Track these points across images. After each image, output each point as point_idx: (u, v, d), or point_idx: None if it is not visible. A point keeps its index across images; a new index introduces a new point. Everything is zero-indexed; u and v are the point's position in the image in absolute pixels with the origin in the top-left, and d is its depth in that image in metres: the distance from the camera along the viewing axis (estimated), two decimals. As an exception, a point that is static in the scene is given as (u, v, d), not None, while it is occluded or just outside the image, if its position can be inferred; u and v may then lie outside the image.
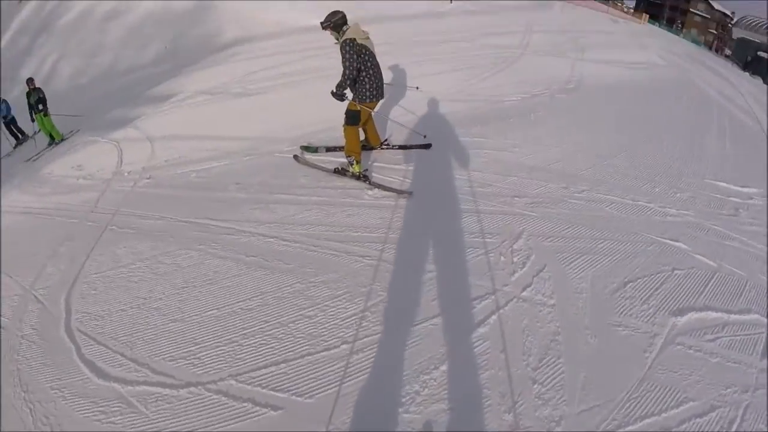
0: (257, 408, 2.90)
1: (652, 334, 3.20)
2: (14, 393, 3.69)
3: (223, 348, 3.36)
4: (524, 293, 3.41)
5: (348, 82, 4.95)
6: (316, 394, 2.91)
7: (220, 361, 3.27)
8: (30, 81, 11.76)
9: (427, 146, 5.79)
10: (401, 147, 5.91)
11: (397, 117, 6.56)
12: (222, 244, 4.49)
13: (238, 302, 3.73)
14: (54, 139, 11.23)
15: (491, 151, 5.30)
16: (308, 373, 3.05)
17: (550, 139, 5.69)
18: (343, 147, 5.38)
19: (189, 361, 3.34)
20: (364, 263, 3.89)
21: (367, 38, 5.00)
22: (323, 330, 3.33)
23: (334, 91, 4.99)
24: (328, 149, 6.09)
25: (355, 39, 4.84)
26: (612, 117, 6.64)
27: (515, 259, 3.73)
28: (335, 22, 4.93)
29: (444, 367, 2.94)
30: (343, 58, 4.84)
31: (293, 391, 2.95)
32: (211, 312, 3.71)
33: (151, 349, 3.56)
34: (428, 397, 2.79)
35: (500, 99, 6.89)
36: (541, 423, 2.71)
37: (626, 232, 4.22)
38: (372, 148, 5.82)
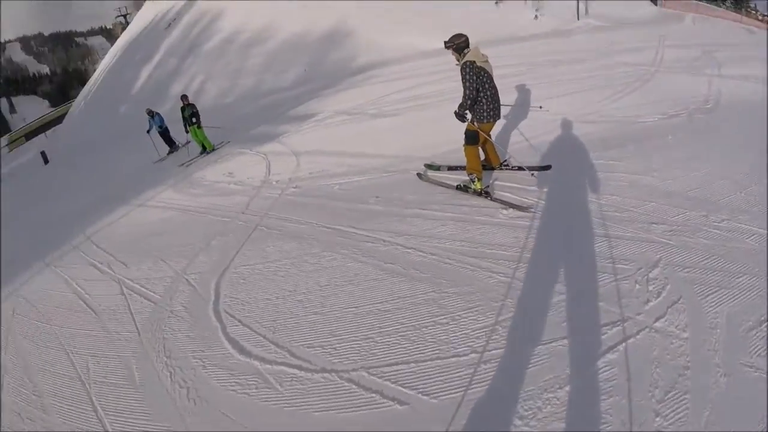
0: (384, 400, 3.18)
1: (784, 380, 3.01)
2: (157, 358, 4.39)
3: (358, 342, 3.72)
4: (657, 324, 3.34)
5: (468, 103, 5.36)
6: (441, 395, 3.12)
7: (355, 353, 3.63)
8: (184, 97, 13.55)
9: (547, 167, 5.92)
10: (520, 168, 6.06)
11: (528, 138, 6.75)
12: (362, 250, 4.96)
13: (375, 303, 4.11)
14: (206, 149, 12.74)
15: (627, 175, 5.21)
16: (436, 375, 3.27)
17: (689, 163, 5.42)
18: (464, 166, 5.80)
19: (326, 350, 3.74)
20: (497, 279, 4.07)
21: (486, 61, 5.41)
22: (454, 337, 3.55)
23: (457, 111, 5.45)
24: (450, 168, 6.54)
25: (474, 61, 5.26)
26: (755, 138, 6.11)
27: (650, 288, 3.68)
28: (458, 44, 5.40)
29: (568, 388, 3.00)
30: (463, 79, 5.30)
31: (420, 390, 3.18)
32: (350, 309, 4.13)
33: (291, 336, 4.04)
34: (550, 415, 2.86)
35: (635, 120, 6.68)
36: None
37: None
38: (492, 168, 6.14)
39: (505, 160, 6.23)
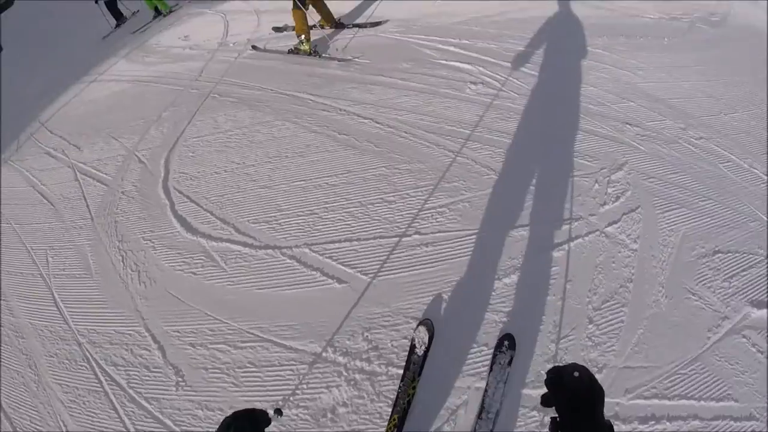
0: (325, 278, 3.31)
1: (723, 315, 3.06)
2: (110, 242, 4.49)
3: (303, 218, 3.78)
4: (608, 228, 3.37)
5: None
6: (380, 276, 3.23)
7: (299, 229, 3.71)
8: None
9: (379, 23, 6.68)
10: (356, 25, 6.84)
11: (517, 9, 6.37)
12: (316, 119, 4.86)
13: (324, 177, 4.11)
14: (160, 12, 12.02)
15: (612, 68, 4.97)
16: (378, 254, 3.36)
17: (678, 71, 5.12)
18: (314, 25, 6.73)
19: (271, 226, 3.81)
20: (454, 159, 4.02)
21: None
22: (399, 217, 3.60)
23: None
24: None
25: None
26: (756, 65, 5.81)
27: (609, 190, 3.66)
28: None
29: (512, 279, 3.09)
30: None
31: (360, 269, 3.29)
32: (298, 183, 4.15)
33: (238, 211, 4.10)
34: (487, 305, 3.00)
35: (635, 13, 6.18)
36: (582, 364, 2.81)
37: (733, 198, 3.88)
38: (329, 27, 6.95)
39: (339, 19, 6.98)
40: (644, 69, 4.96)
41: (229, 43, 7.83)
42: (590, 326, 2.94)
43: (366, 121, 4.64)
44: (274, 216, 3.88)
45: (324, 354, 3.04)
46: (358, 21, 7.03)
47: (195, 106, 6.01)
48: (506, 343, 2.80)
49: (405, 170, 3.98)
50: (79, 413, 3.33)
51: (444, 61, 5.38)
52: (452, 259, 3.24)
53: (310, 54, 6.29)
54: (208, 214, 4.18)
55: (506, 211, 3.49)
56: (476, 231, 3.39)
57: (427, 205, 3.62)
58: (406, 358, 2.87)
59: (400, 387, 2.76)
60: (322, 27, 6.91)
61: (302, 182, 4.12)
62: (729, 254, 3.41)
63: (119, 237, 4.48)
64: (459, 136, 4.24)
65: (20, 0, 31.47)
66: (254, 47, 7.17)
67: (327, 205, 3.82)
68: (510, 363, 2.77)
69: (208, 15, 10.06)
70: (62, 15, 22.64)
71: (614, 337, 2.93)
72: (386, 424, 2.69)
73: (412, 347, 2.85)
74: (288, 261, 3.47)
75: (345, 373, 2.97)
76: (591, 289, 3.05)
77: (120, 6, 13.73)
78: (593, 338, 2.93)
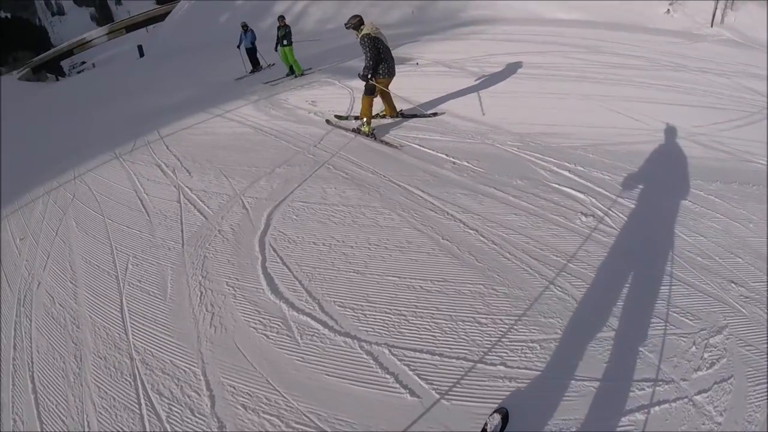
0: (397, 386, 3.12)
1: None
2: (193, 274, 4.54)
3: (390, 317, 3.64)
4: (698, 397, 3.02)
5: (371, 64, 6.77)
6: (454, 399, 3.01)
7: (383, 327, 3.57)
8: (281, 18, 13.45)
9: (434, 114, 7.71)
10: (412, 115, 7.82)
11: (631, 143, 6.26)
12: (422, 217, 4.81)
13: (419, 279, 3.98)
14: (293, 72, 12.78)
15: (722, 218, 4.64)
16: (457, 376, 3.15)
17: None
18: (381, 114, 7.85)
19: (355, 314, 3.71)
20: (554, 293, 3.79)
21: (379, 32, 6.87)
22: (488, 342, 3.38)
23: (361, 74, 6.94)
24: (356, 118, 7.84)
25: (369, 33, 6.71)
26: None
27: (706, 356, 3.32)
28: (355, 23, 6.87)
29: None
30: (363, 49, 6.75)
31: (435, 386, 3.09)
32: (391, 278, 4.04)
33: (326, 288, 4.04)
34: None
35: (746, 158, 5.85)
36: None
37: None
38: (392, 117, 7.86)
39: (401, 110, 7.89)
40: (754, 222, 4.62)
41: (352, 118, 8.11)
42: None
43: (471, 231, 4.53)
44: (361, 305, 3.78)
45: (374, 461, 2.86)
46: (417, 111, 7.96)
47: (308, 171, 6.19)
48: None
49: (502, 293, 3.79)
50: (107, 422, 3.28)
51: (557, 185, 5.25)
52: (533, 400, 3.01)
53: (368, 135, 7.11)
54: (297, 283, 4.15)
55: (595, 360, 3.23)
56: (562, 376, 3.14)
57: (518, 336, 3.40)
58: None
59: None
60: (383, 117, 7.85)
61: (396, 278, 4.01)
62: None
63: (204, 273, 4.54)
64: (563, 269, 4.03)
65: (174, 20, 34.78)
66: (327, 121, 8.13)
67: (416, 310, 3.67)
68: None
69: (336, 87, 10.61)
70: (206, 45, 24.70)
71: None
72: None
73: (484, 430, 2.71)
74: (364, 356, 3.33)
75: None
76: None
77: (258, 56, 14.79)
78: None
